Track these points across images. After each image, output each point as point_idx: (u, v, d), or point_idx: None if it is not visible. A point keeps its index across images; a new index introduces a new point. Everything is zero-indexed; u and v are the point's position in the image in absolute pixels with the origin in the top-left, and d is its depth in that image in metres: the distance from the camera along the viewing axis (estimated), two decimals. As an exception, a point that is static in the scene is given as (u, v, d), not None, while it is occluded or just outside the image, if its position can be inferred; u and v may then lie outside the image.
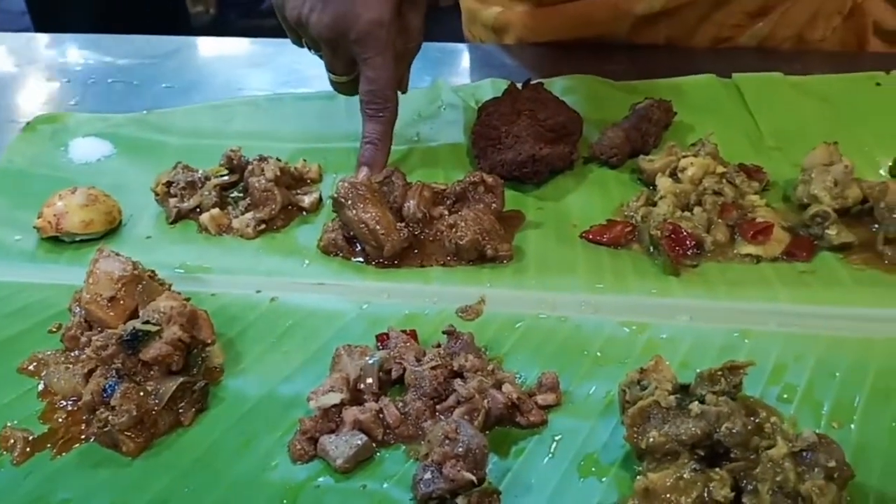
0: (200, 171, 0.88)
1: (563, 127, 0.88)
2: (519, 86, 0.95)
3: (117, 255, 0.70)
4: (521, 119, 0.88)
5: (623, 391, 0.58)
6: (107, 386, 0.60)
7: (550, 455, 0.58)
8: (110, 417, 0.59)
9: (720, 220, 0.76)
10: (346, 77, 0.88)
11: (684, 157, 0.83)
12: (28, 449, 0.60)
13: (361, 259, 0.78)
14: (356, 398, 0.62)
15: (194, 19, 4.72)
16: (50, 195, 0.84)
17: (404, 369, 0.63)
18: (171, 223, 0.85)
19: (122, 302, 0.68)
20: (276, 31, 1.31)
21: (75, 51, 1.29)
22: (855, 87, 1.00)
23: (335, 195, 0.77)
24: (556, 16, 1.17)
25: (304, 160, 0.92)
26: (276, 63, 1.22)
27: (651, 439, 0.53)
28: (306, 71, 1.15)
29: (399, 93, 0.90)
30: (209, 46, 1.33)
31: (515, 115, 0.88)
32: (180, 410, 0.62)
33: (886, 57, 1.09)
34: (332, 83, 0.90)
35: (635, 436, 0.54)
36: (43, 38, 1.35)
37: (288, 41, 0.91)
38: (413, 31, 0.87)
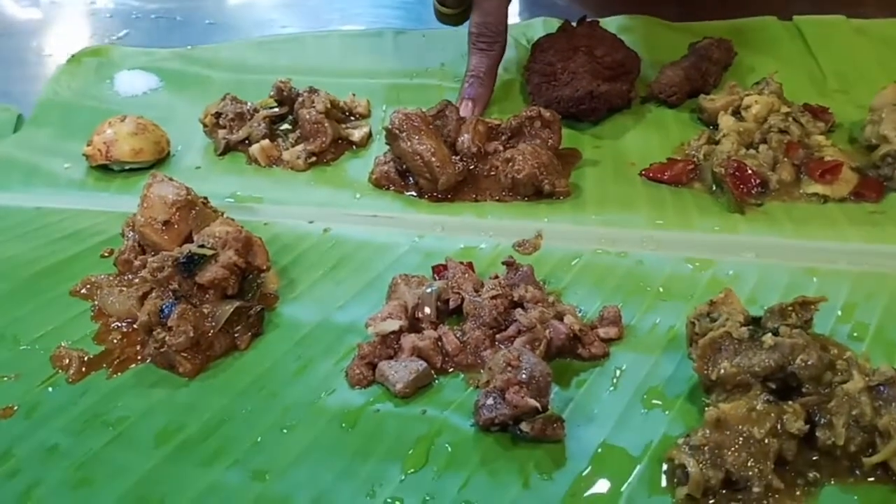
0: (249, 104, 0.87)
1: (620, 64, 0.86)
2: (574, 24, 0.92)
3: (171, 180, 0.70)
4: (578, 55, 0.85)
5: (692, 323, 0.56)
6: (164, 307, 0.60)
7: (613, 387, 0.56)
8: (167, 338, 0.59)
9: (786, 159, 0.74)
10: (454, 10, 0.86)
11: (747, 95, 0.80)
12: (84, 368, 0.60)
13: (414, 192, 0.76)
14: (414, 326, 0.61)
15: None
16: (96, 126, 0.84)
17: (462, 299, 0.62)
18: (220, 154, 0.84)
19: (176, 226, 0.67)
20: None
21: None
22: (922, 29, 0.96)
23: (389, 126, 0.76)
24: None
25: (353, 94, 0.90)
26: (314, 2, 1.19)
27: (722, 370, 0.52)
28: (350, 9, 1.13)
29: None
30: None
31: (572, 52, 0.86)
32: (236, 334, 0.62)
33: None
34: (438, 14, 0.89)
35: (705, 367, 0.53)
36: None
37: None
38: None
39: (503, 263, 0.64)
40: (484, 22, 0.83)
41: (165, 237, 0.66)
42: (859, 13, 1.00)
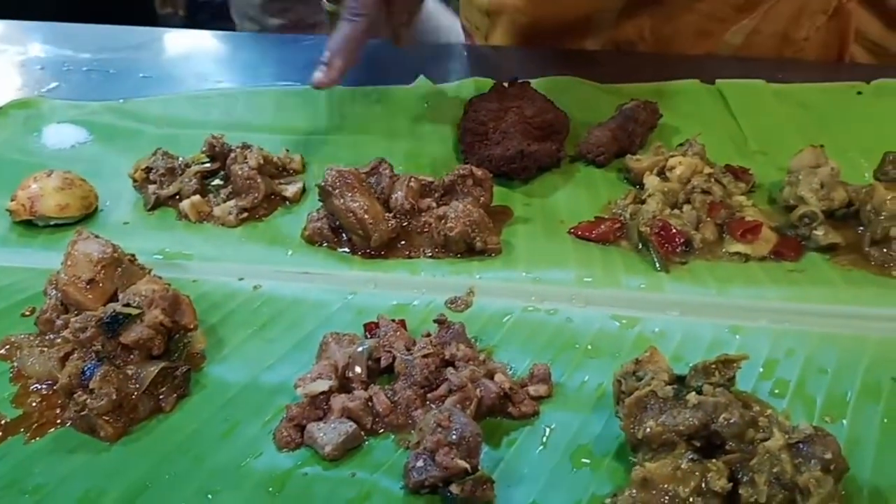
0: (181, 158, 0.86)
1: (550, 125, 0.88)
2: (505, 84, 0.95)
3: (97, 237, 0.68)
4: (509, 115, 0.87)
5: (618, 381, 0.57)
6: (85, 368, 0.58)
7: (543, 446, 0.57)
8: (89, 401, 0.57)
9: (709, 219, 0.76)
10: (335, 7, 0.89)
11: (672, 156, 0.83)
12: (0, 433, 0.58)
13: (347, 249, 0.76)
14: (344, 386, 0.60)
15: (163, 20, 4.68)
16: (20, 180, 0.82)
17: (394, 358, 0.62)
18: (150, 210, 0.83)
19: (101, 285, 0.66)
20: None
21: (46, 39, 1.26)
22: (836, 95, 1.01)
23: (322, 183, 0.76)
24: (545, 1, 1.18)
25: (287, 150, 0.90)
26: (250, 57, 1.20)
27: (648, 429, 0.53)
28: (285, 65, 1.14)
29: (398, 46, 0.93)
30: (181, 39, 1.30)
31: (503, 112, 0.88)
32: (161, 396, 0.60)
33: (866, 67, 1.10)
34: (326, 14, 0.92)
35: (632, 426, 0.54)
36: (13, 25, 1.31)
37: (260, 37, 0.90)
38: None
39: (435, 321, 0.64)
40: None
41: (89, 296, 0.65)
42: (778, 78, 1.05)
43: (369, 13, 0.85)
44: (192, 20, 5.00)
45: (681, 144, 0.86)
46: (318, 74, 0.83)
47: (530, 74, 1.01)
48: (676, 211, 0.77)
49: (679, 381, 0.56)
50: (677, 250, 0.73)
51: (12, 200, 0.79)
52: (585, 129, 0.92)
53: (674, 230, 0.74)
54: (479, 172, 0.79)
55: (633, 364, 0.57)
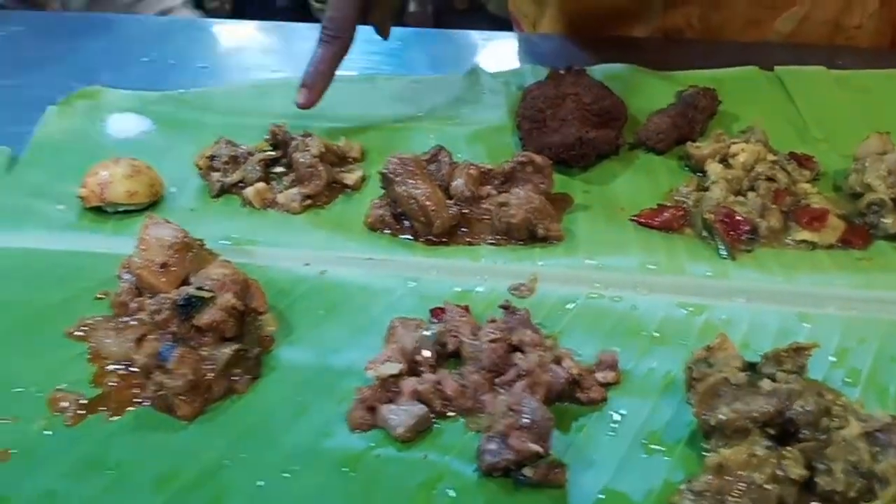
0: (243, 146, 0.87)
1: (608, 112, 0.88)
2: (562, 71, 0.94)
3: (167, 222, 0.70)
4: (567, 102, 0.87)
5: (689, 368, 0.57)
6: (163, 349, 0.59)
7: (612, 432, 0.57)
8: (166, 381, 0.58)
9: (774, 206, 0.75)
10: (322, 4, 0.91)
11: (734, 143, 0.82)
12: (81, 411, 0.59)
13: (409, 235, 0.77)
14: (413, 370, 0.61)
15: (210, 14, 4.73)
16: (88, 168, 0.84)
17: (460, 343, 0.62)
18: (215, 197, 0.84)
19: (173, 269, 0.67)
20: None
21: (102, 30, 1.28)
22: (897, 81, 0.99)
23: (384, 170, 0.77)
24: None
25: (346, 139, 0.91)
26: (304, 47, 1.21)
27: (722, 416, 0.53)
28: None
29: (382, 38, 0.97)
30: (235, 30, 1.32)
31: (560, 99, 0.88)
32: (234, 378, 0.61)
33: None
34: (313, 8, 0.93)
35: (705, 413, 0.54)
36: (70, 17, 1.34)
37: (313, 28, 0.94)
38: None
39: (500, 307, 0.64)
40: (331, 16, 0.89)
41: (163, 280, 0.66)
42: (837, 65, 1.03)
43: (343, 35, 0.90)
44: (239, 14, 5.07)
45: (742, 132, 0.86)
46: (300, 97, 0.91)
47: (580, 62, 1.01)
48: (741, 198, 0.76)
49: (750, 368, 0.56)
50: (742, 238, 0.73)
51: (83, 187, 0.80)
52: (642, 116, 0.92)
53: (739, 217, 0.73)
54: (538, 159, 0.79)
55: (704, 351, 0.57)
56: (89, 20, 1.31)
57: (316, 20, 1.28)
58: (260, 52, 1.21)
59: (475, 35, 1.26)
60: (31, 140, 0.95)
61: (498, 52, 1.23)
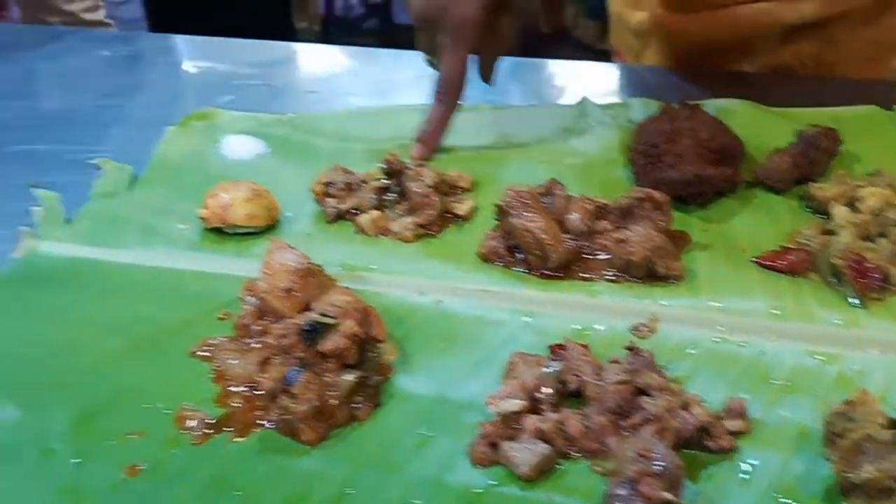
0: (357, 173, 0.89)
1: (725, 149, 0.86)
2: (675, 105, 0.93)
3: (291, 247, 0.71)
4: (683, 138, 0.86)
5: (828, 422, 0.55)
6: (289, 374, 0.60)
7: (743, 483, 0.55)
8: (291, 405, 0.59)
9: (906, 253, 0.73)
10: (434, 58, 0.97)
11: (860, 186, 0.80)
12: (208, 430, 0.61)
13: (523, 269, 0.76)
14: (534, 407, 0.60)
15: (300, 34, 4.87)
16: (206, 188, 0.86)
17: (582, 382, 0.61)
18: (329, 222, 0.85)
19: (296, 294, 0.68)
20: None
21: (211, 54, 1.32)
22: None
23: (501, 203, 0.77)
24: (704, 21, 1.16)
25: (458, 169, 0.91)
26: (408, 74, 1.23)
27: (866, 475, 0.50)
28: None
29: (488, 84, 1.01)
30: (338, 56, 1.35)
31: (676, 134, 0.86)
32: (355, 405, 0.62)
33: None
34: (426, 61, 1.00)
35: (846, 470, 0.51)
36: (184, 40, 1.39)
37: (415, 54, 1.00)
38: (503, 33, 0.96)
39: (626, 349, 0.63)
40: (444, 77, 0.94)
41: (286, 304, 0.67)
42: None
43: (455, 94, 0.95)
44: (326, 35, 5.20)
45: (869, 174, 0.83)
46: (416, 151, 0.95)
47: (688, 96, 1.00)
48: (869, 244, 0.74)
49: (893, 425, 0.54)
50: (874, 285, 0.70)
51: (204, 208, 0.83)
52: (758, 153, 0.90)
53: (869, 264, 0.71)
54: (658, 196, 0.78)
55: (844, 405, 0.55)
56: (202, 43, 1.36)
57: (399, 47, 1.32)
58: (364, 77, 1.23)
59: (574, 65, 1.26)
60: (151, 159, 0.98)
61: (599, 83, 1.23)
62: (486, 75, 0.99)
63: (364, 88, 1.19)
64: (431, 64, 0.97)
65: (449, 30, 0.91)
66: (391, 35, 5.21)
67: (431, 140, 0.96)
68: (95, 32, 1.35)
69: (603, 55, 1.46)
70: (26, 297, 0.75)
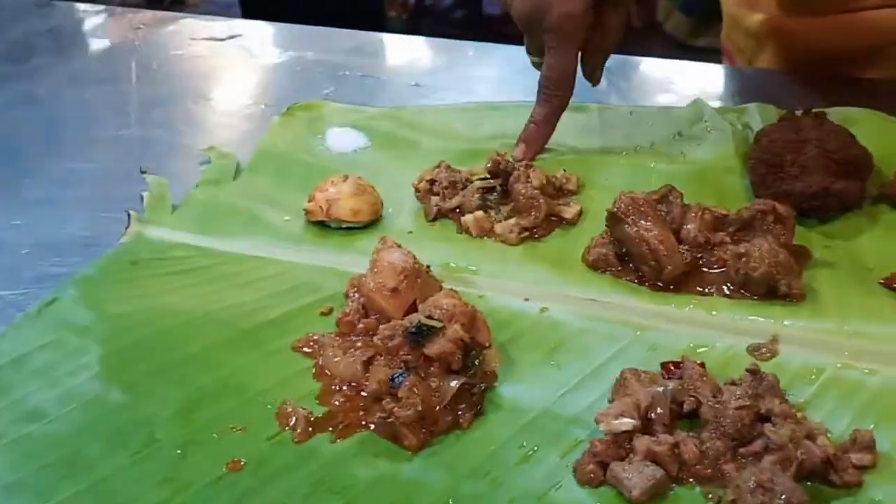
0: (462, 171, 0.87)
1: (853, 161, 0.81)
2: (798, 113, 0.88)
3: (399, 246, 0.70)
4: (808, 148, 0.81)
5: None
6: (395, 376, 0.59)
7: (873, 523, 0.51)
8: (396, 409, 0.58)
9: None
10: (540, 59, 0.93)
11: None
12: (309, 429, 0.60)
13: (633, 279, 0.73)
14: (646, 427, 0.58)
15: (388, 23, 4.91)
16: (310, 180, 0.86)
17: (698, 404, 0.58)
18: (431, 221, 0.84)
19: (402, 294, 0.67)
20: (464, 40, 1.32)
21: (312, 43, 1.33)
22: None
23: (614, 209, 0.74)
24: (825, 26, 1.10)
25: (565, 170, 0.89)
26: (513, 69, 1.20)
27: None
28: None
29: (593, 83, 0.96)
30: (442, 48, 1.33)
31: (801, 144, 0.82)
32: (459, 412, 0.60)
33: None
34: (532, 63, 0.96)
35: None
36: (288, 29, 1.40)
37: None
38: (609, 30, 0.92)
39: (747, 371, 0.60)
40: (549, 76, 0.91)
41: (392, 304, 0.66)
42: None
43: (562, 93, 0.92)
44: (415, 24, 5.22)
45: None
46: (517, 151, 0.92)
47: (807, 102, 0.94)
48: None
49: None
50: None
51: (310, 201, 0.82)
52: (885, 167, 0.85)
53: None
54: (781, 209, 0.74)
55: None
56: (298, 32, 1.37)
57: (487, 38, 1.29)
58: (473, 78, 1.21)
59: (682, 65, 1.21)
60: (257, 147, 0.99)
61: (709, 84, 1.18)
62: (592, 74, 0.95)
63: (460, 83, 1.17)
64: (537, 65, 0.94)
65: (553, 28, 0.88)
66: (480, 26, 5.19)
67: (535, 141, 0.93)
68: (196, 20, 1.37)
69: (695, 52, 1.41)
70: (134, 280, 0.77)
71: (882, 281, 0.71)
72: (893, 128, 0.95)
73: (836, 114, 0.94)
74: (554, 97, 0.92)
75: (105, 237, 0.82)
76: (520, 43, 0.96)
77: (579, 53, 0.92)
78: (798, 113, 0.88)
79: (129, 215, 0.84)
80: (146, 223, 0.84)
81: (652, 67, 1.22)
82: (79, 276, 0.76)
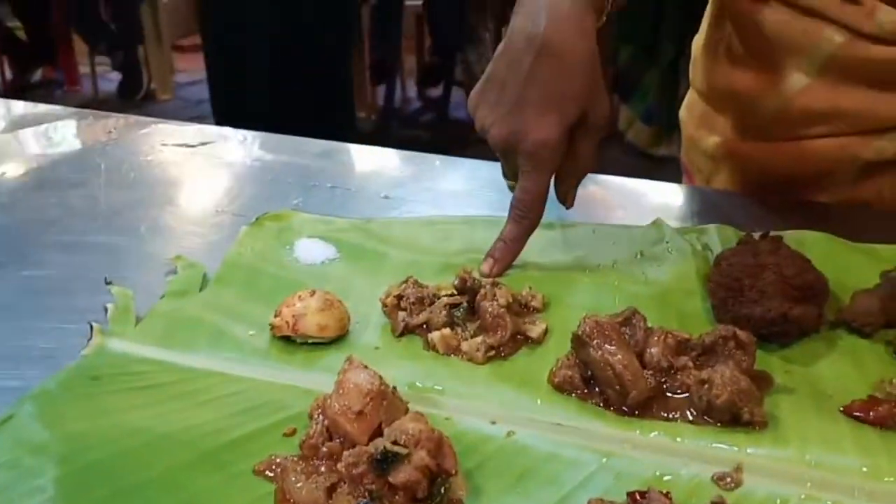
0: (430, 287, 0.88)
1: (810, 286, 0.83)
2: (756, 236, 0.91)
3: (365, 367, 0.70)
4: (766, 273, 0.83)
5: None
6: (359, 507, 0.58)
7: None
8: (360, 542, 0.57)
9: None
10: (515, 182, 0.96)
11: (954, 336, 0.76)
12: (270, 561, 0.58)
13: (599, 402, 0.74)
14: (613, 561, 0.57)
15: (359, 122, 5.01)
16: (277, 293, 0.86)
17: (665, 537, 0.58)
18: (398, 336, 0.84)
19: (367, 417, 0.67)
20: (429, 147, 1.36)
21: (286, 150, 1.35)
22: None
23: (579, 332, 0.75)
24: (778, 151, 1.15)
25: (531, 287, 0.90)
26: (483, 184, 1.23)
27: None
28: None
29: (567, 207, 1.00)
30: (415, 161, 1.36)
31: (759, 269, 0.84)
32: (423, 543, 0.59)
33: None
34: (508, 186, 1.00)
35: None
36: (264, 137, 1.42)
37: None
38: (582, 156, 0.95)
39: (712, 503, 0.60)
40: (521, 198, 0.94)
41: (357, 427, 0.66)
42: None
43: (533, 214, 0.95)
44: (384, 125, 5.33)
45: (964, 323, 0.79)
46: (485, 267, 0.95)
47: (761, 223, 0.98)
48: (968, 401, 0.70)
49: None
50: (975, 449, 0.66)
51: (276, 316, 0.82)
52: (839, 291, 0.88)
53: (970, 424, 0.67)
54: (743, 336, 0.75)
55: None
56: (275, 141, 1.39)
57: (452, 140, 1.33)
58: (443, 194, 1.24)
59: (643, 183, 1.25)
60: (224, 258, 0.99)
61: (669, 202, 1.22)
62: (566, 197, 0.99)
63: (428, 196, 1.19)
64: (512, 188, 0.97)
65: (528, 153, 0.90)
66: (446, 128, 5.33)
67: (504, 258, 0.95)
68: (168, 125, 1.39)
69: (655, 161, 1.46)
70: (94, 396, 0.75)
71: (842, 409, 0.72)
72: (846, 251, 0.98)
73: (790, 237, 0.97)
74: (526, 219, 0.95)
75: (66, 349, 0.81)
76: (484, 149, 0.99)
77: (552, 178, 0.95)
78: (756, 236, 0.91)
79: (91, 327, 0.83)
80: (109, 336, 0.83)
81: (613, 184, 1.26)
82: (37, 390, 0.75)
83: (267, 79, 4.11)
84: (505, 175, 1.00)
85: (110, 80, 5.56)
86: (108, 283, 0.91)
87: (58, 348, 0.82)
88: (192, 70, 5.69)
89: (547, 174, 0.93)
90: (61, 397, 0.74)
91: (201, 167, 1.31)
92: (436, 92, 5.44)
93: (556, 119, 0.90)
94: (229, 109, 4.06)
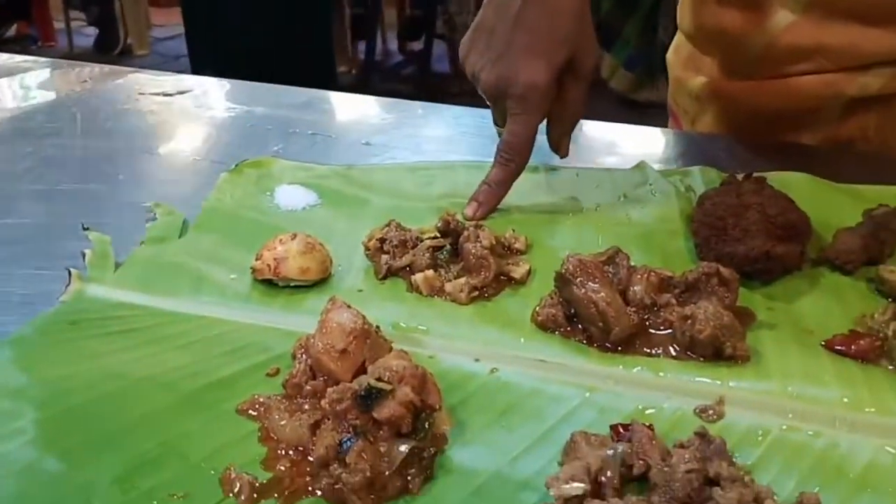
0: (413, 230, 0.87)
1: (793, 225, 0.84)
2: (739, 177, 0.91)
3: (348, 306, 0.69)
4: (750, 213, 0.83)
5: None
6: (343, 441, 0.58)
7: (820, 588, 0.51)
8: (343, 475, 0.57)
9: None
10: (502, 129, 0.96)
11: (935, 271, 0.77)
12: (254, 495, 0.58)
13: (582, 339, 0.74)
14: (595, 491, 0.57)
15: (340, 77, 4.95)
16: (258, 238, 0.85)
17: (647, 467, 0.58)
18: (381, 279, 0.84)
19: (351, 355, 0.66)
20: (413, 97, 1.35)
21: (265, 100, 1.33)
22: None
23: (562, 271, 0.75)
24: (763, 90, 1.15)
25: (514, 230, 0.90)
26: (467, 129, 1.22)
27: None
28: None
29: (560, 155, 1.00)
30: (396, 108, 1.34)
31: (743, 208, 0.84)
32: (408, 477, 0.59)
33: None
34: (497, 132, 0.98)
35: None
36: (240, 85, 1.40)
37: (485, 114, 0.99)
38: (571, 101, 0.95)
39: (696, 434, 0.60)
40: (508, 140, 0.94)
41: (341, 366, 0.65)
42: None
43: (519, 158, 0.94)
44: (365, 80, 5.28)
45: (944, 257, 0.80)
46: (469, 210, 0.94)
47: (748, 166, 0.98)
48: (947, 333, 0.70)
49: None
50: (954, 379, 0.67)
51: (257, 259, 0.81)
52: (822, 230, 0.88)
53: (949, 356, 0.67)
54: (725, 272, 0.75)
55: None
56: (254, 89, 1.37)
57: (434, 94, 1.32)
58: (427, 139, 1.23)
59: (629, 128, 1.25)
60: (203, 204, 0.97)
61: (654, 147, 1.21)
62: (559, 145, 0.98)
63: (409, 142, 1.18)
64: (501, 134, 0.96)
65: (518, 96, 0.90)
66: (428, 82, 5.28)
67: (488, 202, 0.95)
68: (145, 74, 1.36)
69: (638, 106, 1.46)
70: (73, 341, 0.74)
71: (823, 343, 0.73)
72: (829, 191, 0.98)
73: (774, 178, 0.97)
74: (512, 162, 0.94)
75: (44, 296, 0.79)
76: (466, 102, 0.98)
77: (541, 124, 0.94)
78: (739, 177, 0.91)
79: (69, 273, 0.82)
80: (87, 281, 0.82)
81: (598, 129, 1.25)
82: (14, 335, 0.74)
83: (245, 33, 4.05)
84: (495, 122, 0.99)
85: (86, 35, 5.47)
86: (85, 230, 0.89)
87: (35, 294, 0.80)
88: (169, 25, 5.59)
89: (536, 117, 0.92)
90: (39, 342, 0.73)
91: (179, 116, 1.29)
92: (417, 45, 5.38)
93: (545, 62, 0.89)
94: (208, 65, 4.00)
